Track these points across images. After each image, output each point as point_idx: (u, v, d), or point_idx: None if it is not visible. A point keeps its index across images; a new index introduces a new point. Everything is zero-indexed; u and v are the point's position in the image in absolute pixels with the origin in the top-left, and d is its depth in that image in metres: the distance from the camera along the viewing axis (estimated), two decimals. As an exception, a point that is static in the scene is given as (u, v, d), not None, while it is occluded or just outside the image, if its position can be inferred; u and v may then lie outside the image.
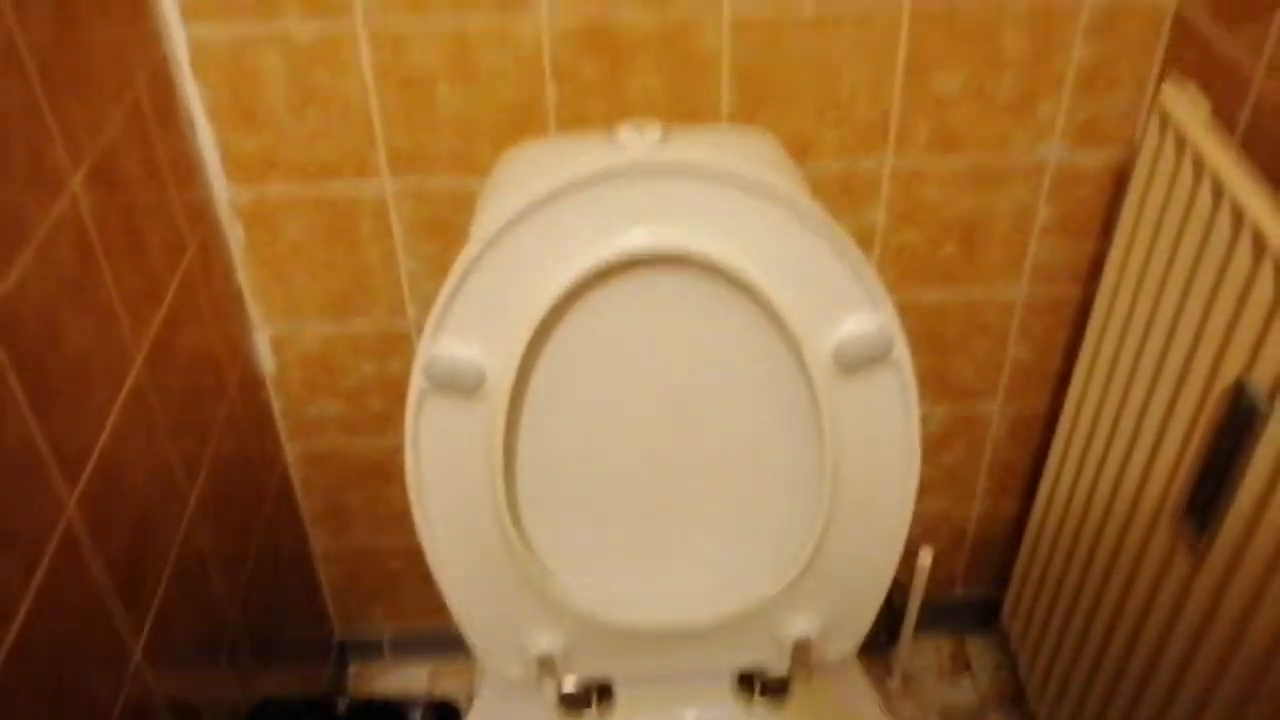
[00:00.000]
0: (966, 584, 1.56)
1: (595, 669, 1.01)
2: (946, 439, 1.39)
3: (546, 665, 0.98)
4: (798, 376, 0.88)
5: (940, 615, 1.57)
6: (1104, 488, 1.12)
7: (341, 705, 1.11)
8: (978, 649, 1.57)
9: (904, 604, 1.40)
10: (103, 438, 0.87)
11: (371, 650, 1.53)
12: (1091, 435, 1.15)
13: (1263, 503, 0.83)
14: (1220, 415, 0.89)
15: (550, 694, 1.00)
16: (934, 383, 1.34)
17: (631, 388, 0.89)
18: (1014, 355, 1.31)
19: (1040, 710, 1.32)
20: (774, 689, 1.02)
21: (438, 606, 1.52)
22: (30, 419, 0.75)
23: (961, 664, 1.55)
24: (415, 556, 1.46)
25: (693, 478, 0.93)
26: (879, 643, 1.49)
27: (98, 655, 0.86)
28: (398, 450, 1.35)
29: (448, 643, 1.49)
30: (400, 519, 1.42)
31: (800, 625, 0.98)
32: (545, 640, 0.98)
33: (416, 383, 0.86)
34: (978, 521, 1.49)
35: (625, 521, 0.95)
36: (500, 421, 0.86)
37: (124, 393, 0.91)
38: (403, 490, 1.38)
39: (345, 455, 1.35)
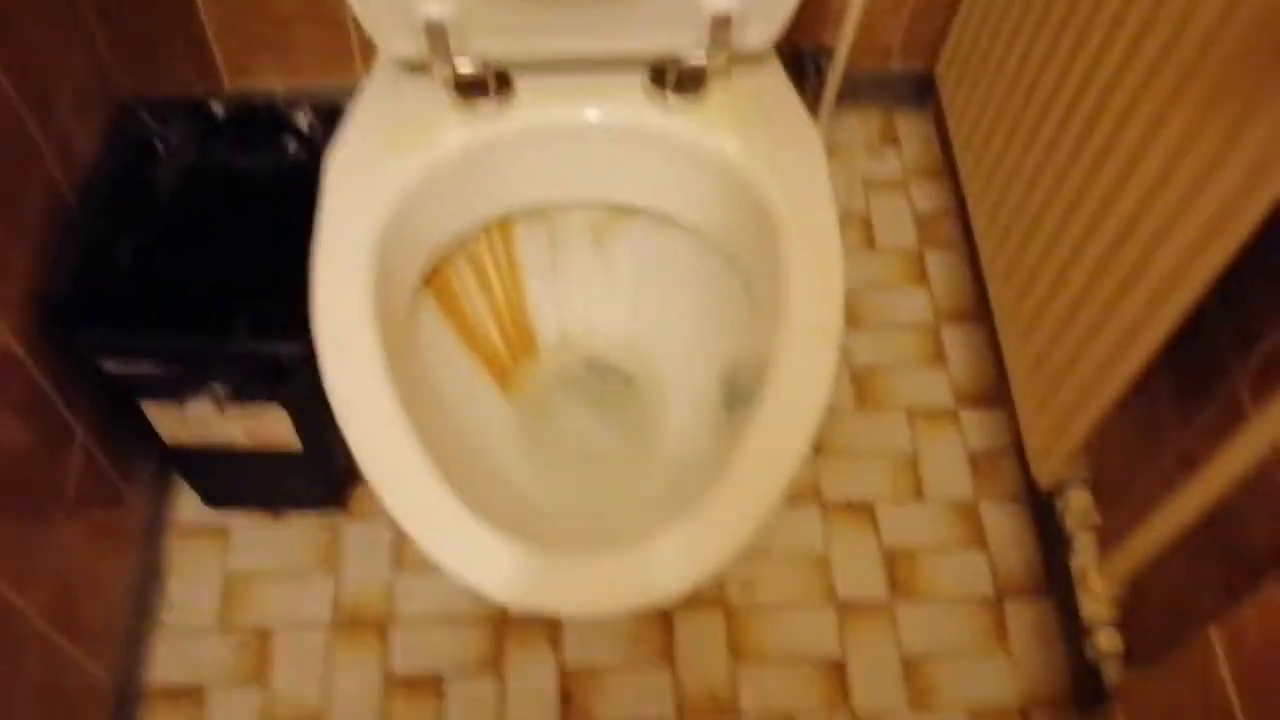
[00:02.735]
0: (904, 56, 1.47)
1: (492, 48, 0.91)
2: None
3: (437, 39, 0.88)
4: None
5: (872, 88, 1.49)
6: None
7: (219, 109, 1.02)
8: (907, 123, 1.50)
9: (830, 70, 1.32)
10: None
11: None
12: None
13: None
14: None
15: (444, 75, 0.91)
16: None
17: None
18: None
19: (965, 162, 1.28)
20: (689, 82, 0.94)
21: (333, 60, 1.40)
22: None
23: (889, 138, 1.50)
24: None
25: None
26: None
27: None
28: None
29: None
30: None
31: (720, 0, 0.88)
32: (436, 7, 0.87)
33: None
34: (921, -20, 1.37)
35: None
36: None
37: None
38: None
39: None
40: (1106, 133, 0.93)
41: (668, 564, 0.76)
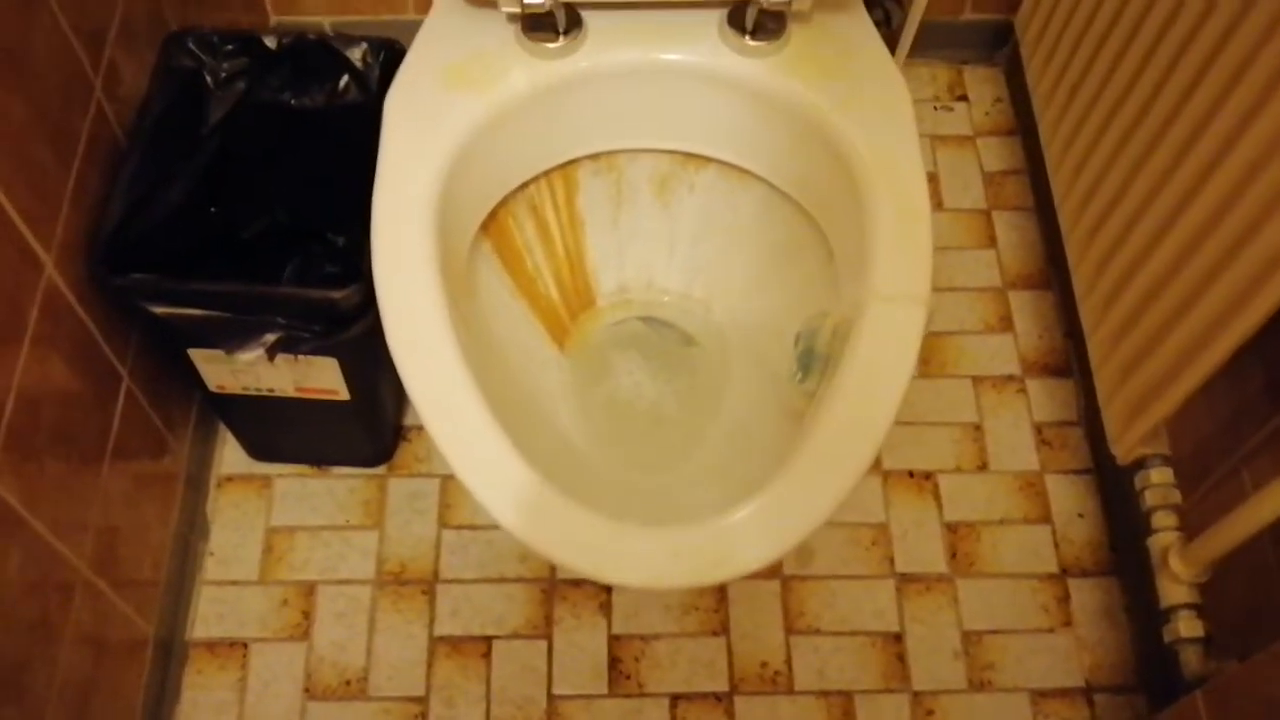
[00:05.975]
0: (977, 5, 1.40)
1: (564, -15, 0.86)
2: None
3: (506, -29, 0.83)
4: None
5: (941, 40, 1.43)
6: None
7: (270, 42, 0.97)
8: (977, 79, 1.44)
9: (902, 21, 1.25)
10: None
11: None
12: None
13: None
14: None
15: (510, 11, 0.86)
16: None
17: None
18: None
19: (1045, 120, 1.22)
20: (768, 25, 0.88)
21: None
22: None
23: (957, 93, 1.43)
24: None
25: None
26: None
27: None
28: None
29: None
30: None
31: (807, -63, 0.82)
32: (505, -65, 0.82)
33: None
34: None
35: None
36: None
37: None
38: None
39: None
40: (1212, 94, 0.87)
41: (746, 538, 0.72)
